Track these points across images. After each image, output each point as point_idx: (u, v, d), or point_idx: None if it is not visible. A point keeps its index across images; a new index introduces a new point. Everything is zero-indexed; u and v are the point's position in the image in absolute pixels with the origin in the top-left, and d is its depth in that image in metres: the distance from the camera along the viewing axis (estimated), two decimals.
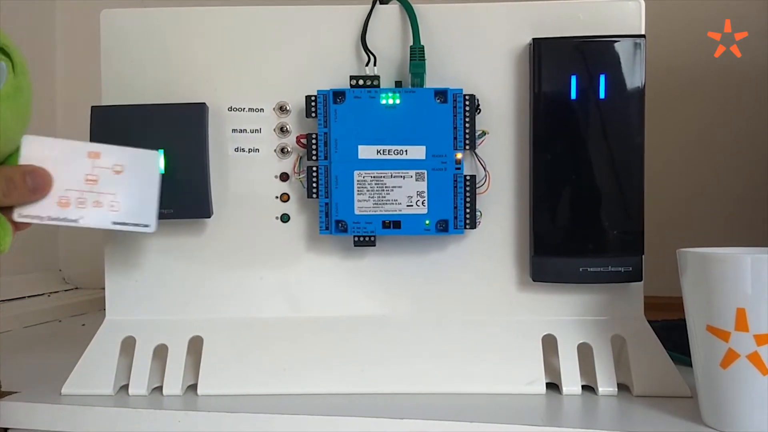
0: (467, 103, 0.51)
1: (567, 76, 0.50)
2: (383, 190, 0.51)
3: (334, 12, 0.53)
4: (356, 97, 0.51)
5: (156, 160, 0.49)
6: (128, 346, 0.53)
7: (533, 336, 0.52)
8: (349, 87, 0.52)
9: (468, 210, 0.52)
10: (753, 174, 0.83)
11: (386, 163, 0.51)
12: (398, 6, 0.53)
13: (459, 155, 0.51)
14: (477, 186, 0.52)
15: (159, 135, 0.52)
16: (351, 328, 0.53)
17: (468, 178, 0.52)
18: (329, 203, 0.52)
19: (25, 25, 0.96)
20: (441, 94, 0.51)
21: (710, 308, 0.42)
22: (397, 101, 0.51)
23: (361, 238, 0.52)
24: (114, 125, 0.52)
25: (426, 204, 0.51)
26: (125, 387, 0.52)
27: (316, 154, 0.52)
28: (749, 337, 0.41)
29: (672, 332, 0.54)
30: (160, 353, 0.53)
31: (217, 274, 0.54)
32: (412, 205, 0.51)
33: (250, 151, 0.54)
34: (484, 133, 0.53)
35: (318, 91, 0.52)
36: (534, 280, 0.52)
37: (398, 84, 0.53)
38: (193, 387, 0.52)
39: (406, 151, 0.51)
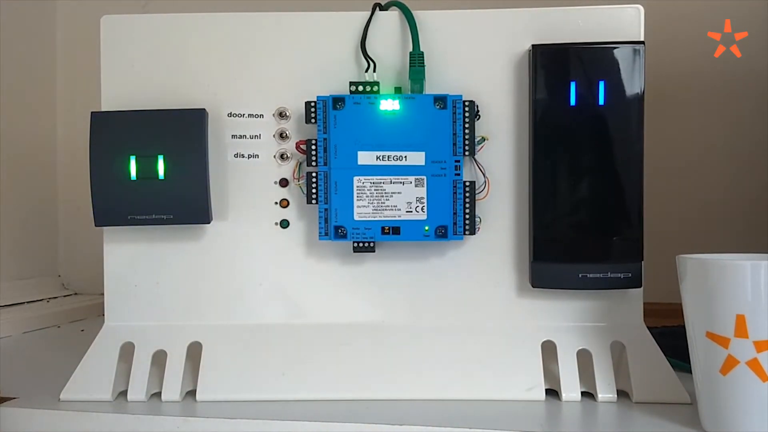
0: (467, 109, 0.51)
1: (566, 83, 0.50)
2: (383, 196, 0.51)
3: (333, 18, 0.53)
4: (356, 103, 0.51)
5: None
6: (127, 351, 0.53)
7: (532, 342, 0.52)
8: (348, 93, 0.52)
9: (467, 216, 0.52)
10: (754, 178, 0.83)
11: (385, 169, 0.51)
12: (398, 12, 0.53)
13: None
14: (476, 192, 0.52)
15: (159, 140, 0.52)
16: (350, 334, 0.53)
17: (467, 184, 0.52)
18: (329, 209, 0.52)
19: (25, 31, 0.96)
20: (440, 100, 0.51)
21: (710, 315, 0.42)
22: (397, 107, 0.51)
23: (361, 244, 0.52)
24: (114, 131, 0.52)
25: (425, 210, 0.51)
26: (124, 393, 0.52)
27: (316, 160, 0.52)
28: (749, 343, 0.41)
29: (671, 339, 0.54)
30: (159, 359, 0.53)
31: (216, 279, 0.54)
32: (411, 211, 0.51)
33: (249, 156, 0.54)
34: (483, 139, 0.53)
35: (317, 97, 0.52)
36: (533, 286, 0.52)
37: (398, 90, 0.53)
38: (191, 393, 0.52)
39: (405, 157, 0.51)
